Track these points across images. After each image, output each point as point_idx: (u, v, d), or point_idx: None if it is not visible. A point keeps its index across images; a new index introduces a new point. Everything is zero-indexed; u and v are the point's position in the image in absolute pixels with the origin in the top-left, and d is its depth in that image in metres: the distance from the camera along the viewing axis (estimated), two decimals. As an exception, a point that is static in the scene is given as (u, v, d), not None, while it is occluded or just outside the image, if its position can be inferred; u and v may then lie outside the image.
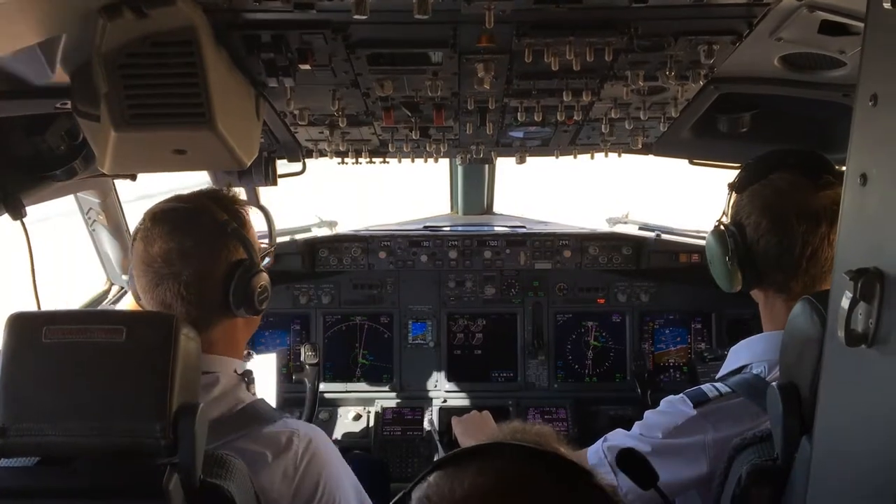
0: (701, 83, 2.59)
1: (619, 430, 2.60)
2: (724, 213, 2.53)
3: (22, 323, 2.03)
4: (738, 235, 2.41)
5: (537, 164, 3.96)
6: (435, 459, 1.32)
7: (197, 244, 2.29)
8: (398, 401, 4.54)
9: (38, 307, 2.74)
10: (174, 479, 1.93)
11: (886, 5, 1.17)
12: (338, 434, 4.43)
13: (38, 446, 1.98)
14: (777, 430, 1.98)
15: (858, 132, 1.33)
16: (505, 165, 4.34)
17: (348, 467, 2.50)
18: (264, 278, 2.43)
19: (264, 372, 3.68)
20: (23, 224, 2.62)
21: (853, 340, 1.29)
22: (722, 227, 2.47)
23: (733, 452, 2.20)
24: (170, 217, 2.32)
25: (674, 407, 2.47)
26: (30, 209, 2.66)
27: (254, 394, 2.43)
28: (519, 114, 2.86)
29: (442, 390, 4.57)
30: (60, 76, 2.13)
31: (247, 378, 2.39)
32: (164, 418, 1.94)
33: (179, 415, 1.96)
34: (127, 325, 2.01)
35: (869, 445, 1.32)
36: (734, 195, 2.49)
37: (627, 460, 1.85)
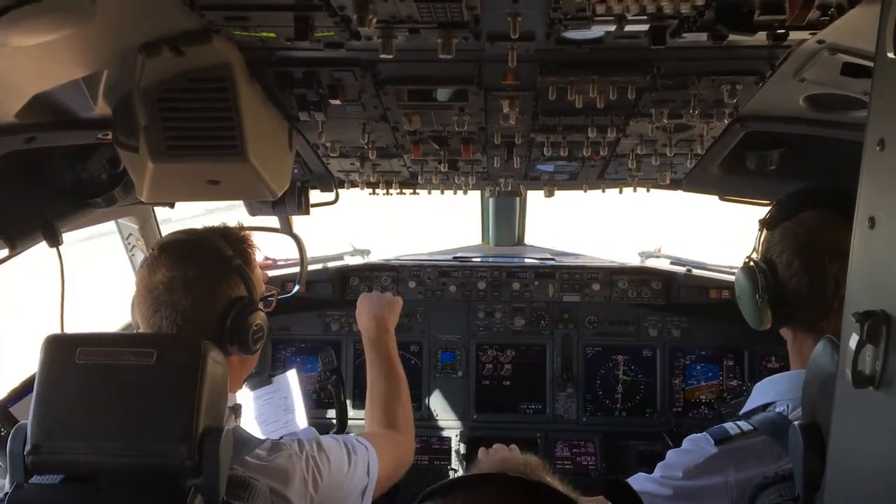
0: (726, 122, 2.60)
1: (641, 475, 2.55)
2: (754, 249, 2.50)
3: (57, 344, 2.11)
4: (768, 273, 2.37)
5: (573, 198, 3.99)
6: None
7: (199, 275, 2.30)
8: (426, 430, 4.55)
9: (62, 330, 2.80)
10: (198, 499, 1.97)
11: (891, 55, 1.19)
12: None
13: (67, 464, 2.05)
14: (798, 469, 1.96)
15: (867, 176, 1.35)
16: (539, 199, 4.37)
17: (337, 443, 2.53)
18: (261, 317, 2.42)
19: (289, 389, 3.72)
20: (58, 251, 2.71)
21: (860, 382, 1.29)
22: (752, 264, 2.43)
23: (755, 491, 2.17)
24: (177, 247, 2.34)
25: (696, 445, 2.44)
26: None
27: (238, 424, 2.42)
28: (545, 149, 2.90)
29: (470, 420, 4.57)
30: (102, 109, 2.23)
31: (235, 413, 2.39)
32: (191, 440, 1.99)
33: (205, 437, 2.00)
34: (157, 348, 2.07)
35: (875, 489, 1.32)
36: (765, 232, 2.47)
37: (615, 490, 1.82)
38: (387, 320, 3.17)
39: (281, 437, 2.41)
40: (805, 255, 2.32)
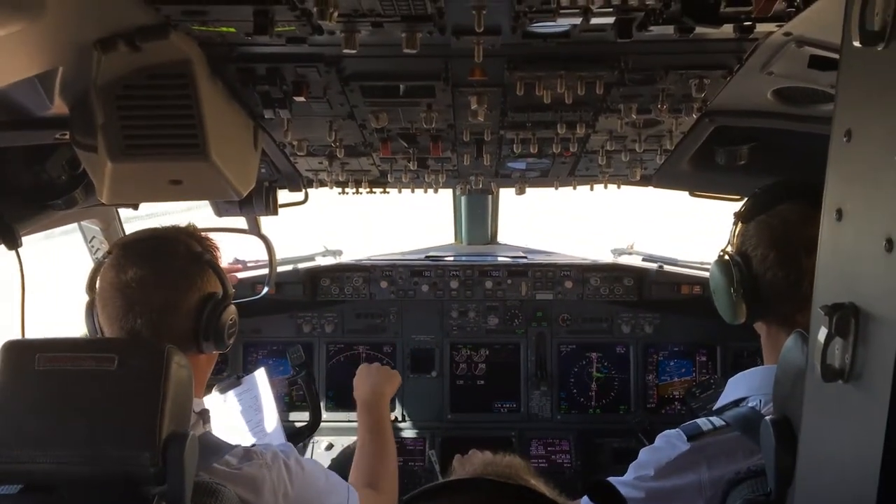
0: (695, 116, 2.60)
1: (612, 479, 2.48)
2: (729, 242, 2.47)
3: (15, 351, 2.06)
4: (743, 266, 2.35)
5: (548, 196, 3.98)
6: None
7: (172, 272, 2.28)
8: (400, 430, 4.52)
9: (23, 335, 2.75)
10: (161, 507, 1.93)
11: (856, 44, 1.17)
12: (339, 463, 4.36)
13: (26, 474, 1.99)
14: (770, 464, 1.95)
15: (834, 167, 1.33)
16: (513, 197, 4.37)
17: (318, 466, 2.55)
18: (233, 311, 2.42)
19: (259, 389, 3.68)
20: (17, 254, 2.65)
21: (830, 376, 1.28)
22: (727, 258, 2.41)
23: (727, 487, 2.16)
24: (143, 245, 2.32)
25: (667, 442, 2.43)
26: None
27: (208, 430, 2.41)
28: (515, 145, 2.89)
29: (444, 420, 4.55)
30: (60, 107, 2.17)
31: (203, 417, 2.36)
32: (154, 446, 1.94)
33: (169, 443, 1.96)
34: (119, 353, 2.03)
35: (845, 483, 1.31)
36: (740, 225, 2.44)
37: (599, 492, 1.81)
38: (385, 393, 3.23)
39: (254, 445, 2.37)
40: (781, 249, 2.30)
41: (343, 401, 4.55)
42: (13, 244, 2.60)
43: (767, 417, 2.00)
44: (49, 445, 1.97)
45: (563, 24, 1.89)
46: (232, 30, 1.91)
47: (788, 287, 2.29)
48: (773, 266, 2.31)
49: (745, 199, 2.48)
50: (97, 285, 2.33)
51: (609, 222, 12.28)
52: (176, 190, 2.39)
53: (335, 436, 4.49)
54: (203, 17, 1.82)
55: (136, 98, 2.08)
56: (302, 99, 2.32)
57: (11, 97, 2.10)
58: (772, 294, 2.33)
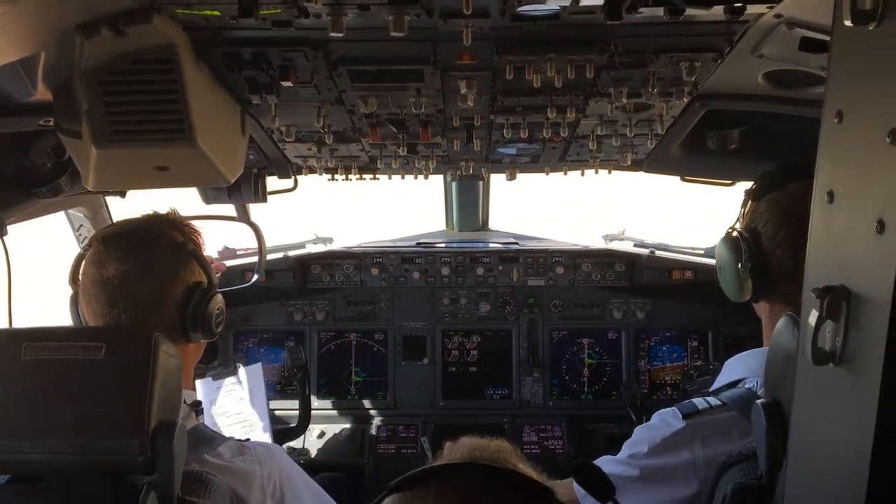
0: (685, 100, 2.59)
1: (606, 457, 2.52)
2: (738, 219, 2.45)
3: (1, 340, 2.04)
4: (752, 243, 2.33)
5: (540, 181, 3.95)
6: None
7: (155, 265, 2.27)
8: (392, 418, 4.52)
9: (10, 324, 2.73)
10: (151, 496, 1.92)
11: (848, 23, 1.16)
12: (331, 451, 4.41)
13: (14, 464, 1.99)
14: (761, 448, 1.95)
15: (825, 149, 1.32)
16: (505, 183, 4.36)
17: (308, 477, 2.52)
18: (220, 300, 2.41)
19: (253, 383, 3.68)
20: (2, 242, 2.63)
21: (820, 359, 1.27)
22: (736, 234, 2.40)
23: (720, 470, 2.17)
24: (124, 239, 2.30)
25: (662, 420, 2.43)
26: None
27: (201, 422, 2.40)
28: (505, 130, 2.87)
29: (436, 407, 4.55)
30: (43, 93, 2.14)
31: (195, 409, 2.36)
32: (142, 435, 1.93)
33: (157, 432, 1.95)
34: (107, 341, 2.01)
35: (836, 466, 1.30)
36: (750, 203, 2.42)
37: (583, 473, 1.81)
38: None
39: (247, 440, 2.36)
40: (791, 226, 2.27)
41: (334, 389, 4.56)
42: None
43: (759, 401, 2.00)
44: (37, 435, 1.96)
45: (553, 6, 1.87)
46: (216, 13, 1.88)
47: (796, 266, 2.22)
48: (783, 243, 2.29)
49: (754, 180, 2.44)
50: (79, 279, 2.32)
51: (601, 205, 12.27)
52: (163, 176, 2.36)
53: (326, 423, 4.49)
54: (187, 0, 1.79)
55: (121, 83, 2.05)
56: (289, 84, 2.29)
57: (-7, 83, 2.08)
58: (779, 272, 2.31)
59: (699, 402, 2.38)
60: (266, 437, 3.62)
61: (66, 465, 1.97)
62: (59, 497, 1.99)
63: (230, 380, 3.61)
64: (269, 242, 4.11)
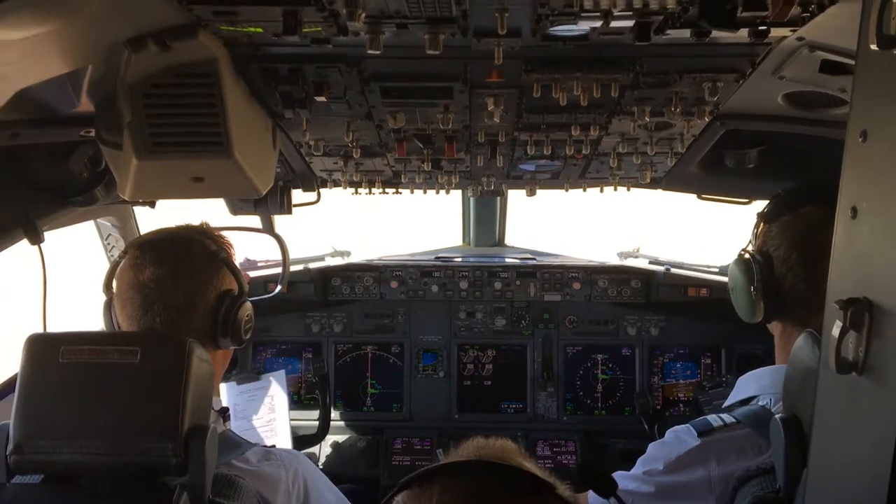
0: (706, 119, 2.64)
1: (620, 473, 2.51)
2: (750, 241, 2.48)
3: (40, 344, 2.09)
4: (764, 266, 2.35)
5: (554, 199, 4.00)
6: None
7: (190, 271, 2.34)
8: (407, 430, 4.55)
9: (45, 329, 2.79)
10: (183, 497, 1.96)
11: (873, 47, 1.22)
12: (346, 462, 4.44)
13: (49, 464, 2.03)
14: (779, 462, 1.97)
15: (849, 166, 1.38)
16: (519, 200, 4.41)
17: (331, 484, 2.56)
18: (249, 308, 2.48)
19: (276, 389, 3.72)
20: (40, 249, 2.69)
21: (843, 368, 1.31)
22: (748, 257, 2.42)
23: (737, 484, 2.18)
24: (161, 245, 2.37)
25: (677, 437, 2.44)
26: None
27: (229, 428, 2.46)
28: (529, 147, 2.92)
29: (451, 420, 4.58)
30: (85, 105, 2.21)
31: (223, 415, 2.42)
32: (176, 438, 1.98)
33: (190, 435, 2.00)
34: (142, 346, 2.06)
35: (860, 474, 1.34)
36: (762, 225, 2.44)
37: (587, 473, 1.83)
38: None
39: (273, 447, 2.42)
40: (803, 251, 2.29)
41: (350, 400, 4.60)
42: (36, 239, 2.64)
43: (777, 415, 2.03)
44: (72, 436, 2.01)
45: (583, 27, 1.93)
46: (259, 30, 1.95)
47: (808, 288, 2.28)
48: (795, 267, 2.31)
49: (769, 200, 2.47)
50: (114, 285, 2.39)
51: (614, 222, 12.27)
52: (198, 187, 2.43)
53: (343, 434, 4.52)
54: (233, 18, 1.86)
55: (163, 96, 2.12)
56: (322, 99, 2.35)
57: (39, 95, 2.14)
58: (791, 295, 2.33)
59: (713, 419, 2.38)
60: (287, 444, 3.66)
61: (101, 465, 2.02)
62: (92, 497, 2.04)
63: (253, 385, 3.65)
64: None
